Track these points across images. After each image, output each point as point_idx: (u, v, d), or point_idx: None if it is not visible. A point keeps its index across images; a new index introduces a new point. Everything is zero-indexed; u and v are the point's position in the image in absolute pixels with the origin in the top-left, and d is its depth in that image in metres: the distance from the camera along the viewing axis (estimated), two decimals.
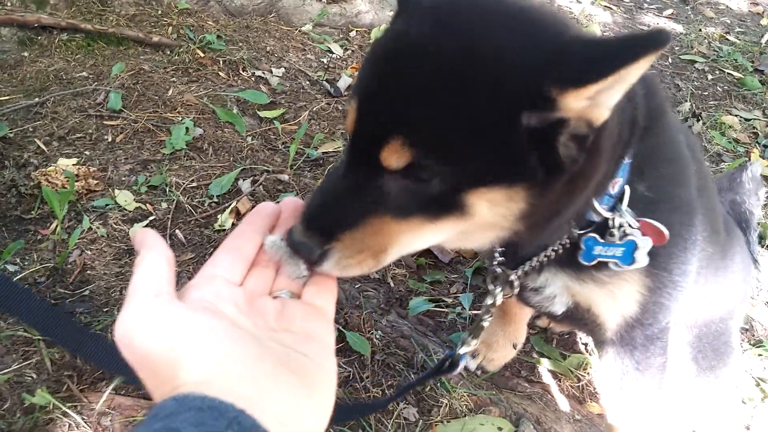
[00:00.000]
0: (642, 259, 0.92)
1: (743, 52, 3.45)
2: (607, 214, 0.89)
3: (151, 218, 1.85)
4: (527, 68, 0.66)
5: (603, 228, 0.91)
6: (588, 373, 1.56)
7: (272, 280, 0.69)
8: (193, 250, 1.77)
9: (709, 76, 3.23)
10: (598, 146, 0.74)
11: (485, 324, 1.10)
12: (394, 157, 0.67)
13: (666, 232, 0.91)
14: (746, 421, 1.48)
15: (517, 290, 1.03)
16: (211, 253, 1.76)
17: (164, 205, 1.91)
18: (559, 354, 1.57)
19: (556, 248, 0.96)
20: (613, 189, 0.89)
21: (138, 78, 2.45)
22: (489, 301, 1.06)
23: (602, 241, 0.91)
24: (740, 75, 3.15)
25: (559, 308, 1.06)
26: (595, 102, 0.67)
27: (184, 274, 1.69)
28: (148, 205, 1.90)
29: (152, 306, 0.56)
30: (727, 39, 3.64)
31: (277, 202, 0.76)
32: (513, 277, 1.01)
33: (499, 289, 1.04)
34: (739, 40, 3.64)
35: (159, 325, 0.55)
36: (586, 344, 1.63)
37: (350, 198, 0.71)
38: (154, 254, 0.62)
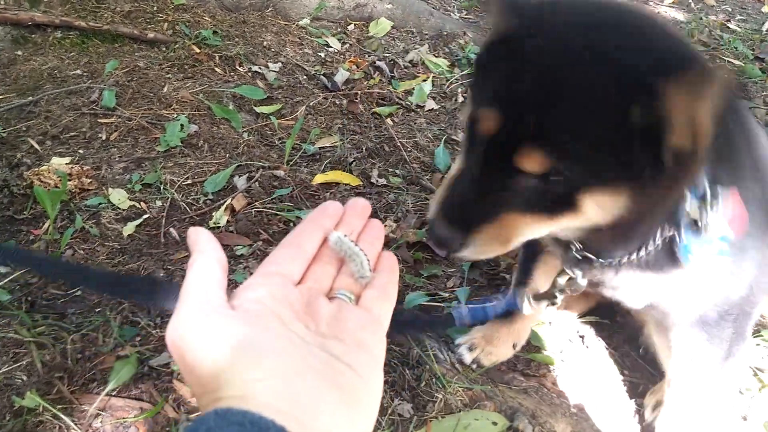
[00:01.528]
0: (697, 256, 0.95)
1: (744, 40, 3.42)
2: (696, 215, 0.91)
3: (145, 216, 1.84)
4: (639, 66, 0.73)
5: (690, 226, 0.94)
6: (585, 366, 1.54)
7: (332, 278, 0.67)
8: (188, 248, 1.75)
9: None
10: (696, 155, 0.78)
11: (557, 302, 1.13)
12: (534, 164, 0.75)
13: (744, 213, 0.95)
14: (743, 412, 1.46)
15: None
16: None
17: (158, 203, 1.90)
18: (555, 347, 1.56)
19: (646, 251, 0.97)
20: (699, 188, 0.91)
21: (133, 75, 2.45)
22: (563, 281, 1.06)
23: (697, 239, 0.93)
24: (741, 63, 3.12)
25: (638, 304, 1.10)
26: (696, 110, 0.72)
27: (179, 273, 1.68)
28: (142, 203, 1.89)
29: (201, 314, 0.56)
30: (727, 27, 3.60)
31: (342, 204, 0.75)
32: (595, 271, 1.03)
33: (580, 274, 1.03)
34: (740, 28, 3.61)
35: (206, 335, 0.54)
36: (582, 336, 1.62)
37: (485, 196, 0.80)
38: (206, 257, 0.61)
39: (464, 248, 0.81)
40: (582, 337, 1.61)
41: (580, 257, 1.03)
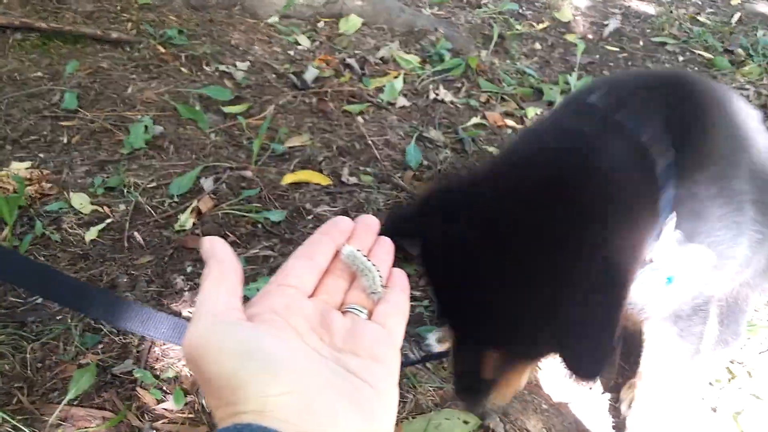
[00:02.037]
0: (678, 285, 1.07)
1: (713, 33, 3.44)
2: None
3: (108, 221, 1.80)
4: None
5: None
6: (557, 360, 1.53)
7: (344, 292, 0.65)
8: (152, 252, 1.72)
9: (680, 58, 3.21)
10: None
11: None
12: (493, 357, 0.93)
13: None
14: (713, 404, 1.46)
15: None
16: (171, 255, 1.73)
17: (122, 206, 1.86)
18: None
19: None
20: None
21: (96, 76, 2.39)
22: None
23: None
24: (711, 56, 3.14)
25: None
26: None
27: (143, 278, 1.64)
28: (105, 207, 1.85)
29: (217, 326, 0.54)
30: (697, 20, 3.63)
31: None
32: None
33: None
34: (710, 20, 3.63)
35: (224, 347, 0.53)
36: None
37: (479, 375, 0.97)
38: (222, 267, 0.60)
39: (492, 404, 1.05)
40: None
41: None
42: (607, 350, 0.80)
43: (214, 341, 0.53)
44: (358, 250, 0.64)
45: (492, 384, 0.98)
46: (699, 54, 3.19)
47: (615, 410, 1.44)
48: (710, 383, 1.49)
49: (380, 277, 0.63)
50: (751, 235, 1.16)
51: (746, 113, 1.27)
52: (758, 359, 1.56)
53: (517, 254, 0.83)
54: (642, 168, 0.95)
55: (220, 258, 0.60)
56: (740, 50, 3.21)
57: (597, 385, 1.49)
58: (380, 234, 0.70)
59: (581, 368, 0.81)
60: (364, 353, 0.57)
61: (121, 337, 1.47)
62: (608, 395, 1.47)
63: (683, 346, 1.23)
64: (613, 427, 1.41)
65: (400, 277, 0.67)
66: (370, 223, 0.70)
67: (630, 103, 1.01)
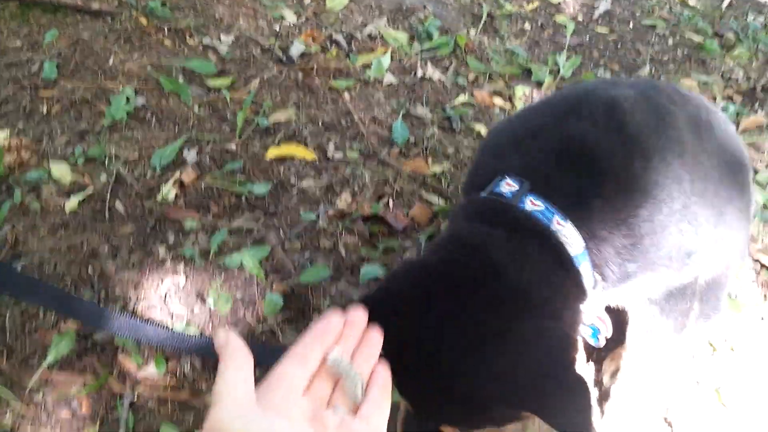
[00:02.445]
0: (602, 341, 1.17)
1: (704, 16, 3.44)
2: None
3: (89, 191, 1.76)
4: None
5: None
6: None
7: (331, 391, 0.75)
8: (134, 223, 1.69)
9: (670, 41, 3.21)
10: None
11: None
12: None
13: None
14: (696, 377, 1.46)
15: None
16: (153, 226, 1.70)
17: (103, 177, 1.82)
18: None
19: None
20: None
21: (76, 47, 2.34)
22: None
23: None
24: (700, 39, 3.14)
25: None
26: None
27: (124, 248, 1.61)
28: (85, 177, 1.81)
29: (238, 411, 0.63)
30: (687, 3, 3.62)
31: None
32: None
33: None
34: (700, 4, 3.63)
35: (245, 428, 0.61)
36: None
37: None
38: (236, 361, 0.68)
39: None
40: None
41: None
42: (580, 394, 0.78)
43: (237, 426, 0.61)
44: (341, 355, 0.74)
45: None
46: (689, 37, 3.19)
47: (598, 381, 1.44)
48: (693, 357, 1.49)
49: (361, 384, 0.74)
50: (713, 218, 1.15)
51: (699, 104, 1.25)
52: (741, 335, 1.57)
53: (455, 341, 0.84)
54: (559, 265, 0.97)
55: (235, 348, 0.69)
56: (730, 34, 3.21)
57: (581, 356, 1.49)
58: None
59: (569, 423, 0.78)
60: None
61: (101, 304, 1.44)
62: (591, 365, 1.47)
63: (667, 323, 1.23)
64: (597, 398, 1.41)
65: (383, 374, 0.78)
66: (358, 320, 0.80)
67: (537, 182, 1.03)
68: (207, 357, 1.34)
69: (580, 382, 0.77)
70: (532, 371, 0.79)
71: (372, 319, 0.82)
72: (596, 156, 1.04)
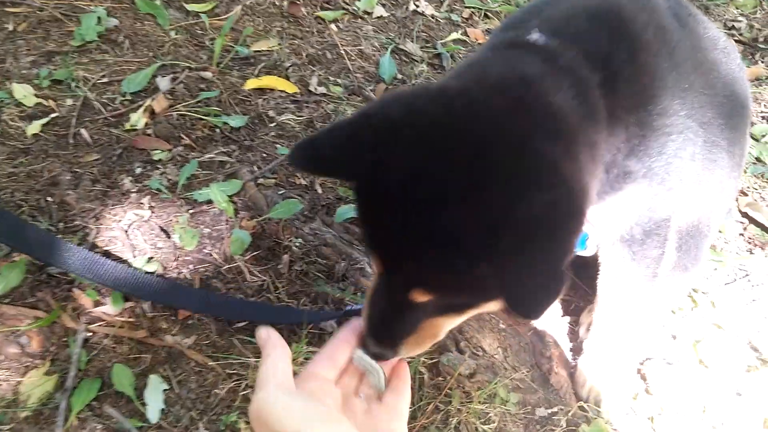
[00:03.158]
0: (591, 247, 1.06)
1: None
2: None
3: (53, 115, 1.67)
4: (479, 225, 0.75)
5: None
6: None
7: (358, 382, 0.88)
8: (100, 151, 1.61)
9: None
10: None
11: None
12: (423, 298, 0.84)
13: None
14: (674, 331, 1.43)
15: None
16: (120, 155, 1.61)
17: (69, 101, 1.72)
18: None
19: None
20: None
21: None
22: None
23: None
24: None
25: None
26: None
27: (87, 177, 1.53)
28: (50, 100, 1.71)
29: (281, 394, 0.72)
30: None
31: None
32: None
33: None
34: None
35: (288, 410, 0.69)
36: None
37: (399, 315, 0.88)
38: (278, 352, 0.78)
39: (398, 354, 0.91)
40: None
41: None
42: (553, 288, 0.72)
43: (281, 404, 0.70)
44: (365, 353, 0.87)
45: (409, 329, 0.90)
46: None
47: (573, 333, 1.40)
48: (672, 311, 1.46)
49: (383, 377, 0.86)
50: (702, 154, 1.12)
51: (710, 35, 1.19)
52: (723, 290, 1.53)
53: (459, 177, 0.75)
54: (588, 111, 0.90)
55: (276, 343, 0.80)
56: None
57: (557, 308, 1.45)
58: (290, 164, 0.88)
59: (523, 306, 0.74)
60: (382, 428, 0.79)
61: (61, 235, 1.38)
62: (567, 318, 1.44)
63: (638, 270, 1.19)
64: (571, 350, 1.38)
65: (402, 368, 0.91)
66: None
67: (570, 41, 0.95)
68: (167, 305, 1.29)
69: (559, 281, 0.72)
70: (526, 249, 0.73)
71: (385, 140, 0.77)
72: (631, 28, 0.99)
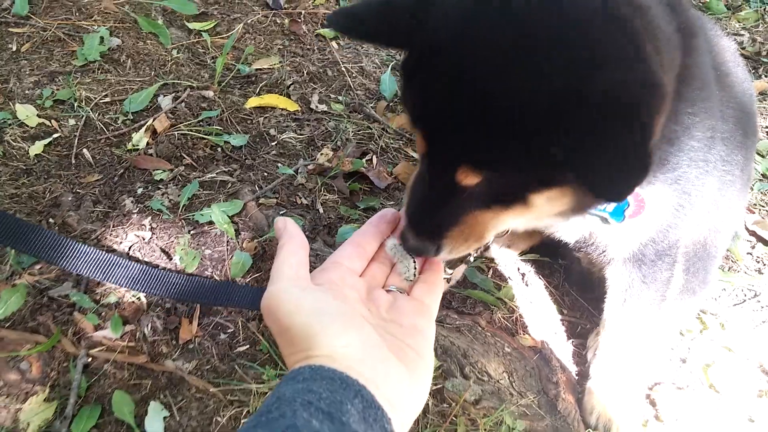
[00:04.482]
0: (625, 219, 0.96)
1: None
2: None
3: (55, 135, 1.66)
4: (553, 93, 0.66)
5: None
6: (523, 304, 1.46)
7: (387, 276, 0.80)
8: (101, 171, 1.60)
9: None
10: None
11: None
12: (471, 180, 0.75)
13: (644, 203, 0.95)
14: (683, 354, 1.40)
15: None
16: (121, 175, 1.61)
17: (72, 121, 1.72)
18: (493, 284, 1.47)
19: None
20: None
21: None
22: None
23: None
24: None
25: (572, 237, 1.07)
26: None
27: (89, 197, 1.52)
28: (53, 121, 1.71)
29: (293, 288, 0.68)
30: None
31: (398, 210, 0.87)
32: None
33: None
34: None
35: (299, 304, 0.65)
36: (523, 274, 1.53)
37: (443, 204, 0.81)
38: (294, 243, 0.73)
39: (440, 253, 0.83)
40: (522, 275, 1.53)
41: None
42: (638, 169, 0.63)
43: (292, 298, 0.66)
44: (399, 243, 0.80)
45: (453, 220, 0.80)
46: None
47: (580, 357, 1.38)
48: (681, 333, 1.43)
49: (415, 266, 0.79)
50: (719, 175, 1.09)
51: (725, 45, 1.18)
52: (732, 311, 1.51)
53: (527, 35, 0.66)
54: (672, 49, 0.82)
55: (293, 234, 0.75)
56: None
57: (562, 331, 1.43)
58: (331, 27, 0.80)
59: (602, 187, 0.66)
60: (406, 323, 0.70)
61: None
62: (574, 341, 1.41)
63: (647, 293, 1.16)
64: (578, 375, 1.35)
65: (435, 262, 0.82)
66: None
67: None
68: (191, 302, 1.26)
69: (645, 162, 0.63)
70: (608, 126, 0.64)
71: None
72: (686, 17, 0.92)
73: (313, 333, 0.63)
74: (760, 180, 1.88)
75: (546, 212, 0.83)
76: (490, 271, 1.51)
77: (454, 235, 0.82)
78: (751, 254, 1.66)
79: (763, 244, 1.68)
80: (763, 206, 1.80)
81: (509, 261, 1.54)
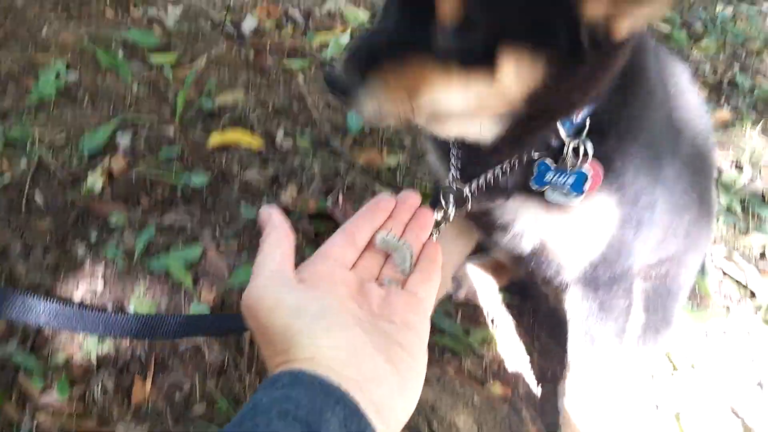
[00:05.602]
0: (583, 193, 0.91)
1: (672, 5, 3.34)
2: (566, 139, 0.88)
3: (5, 179, 1.59)
4: None
5: (556, 156, 0.90)
6: (492, 350, 1.43)
7: (380, 267, 0.74)
8: (54, 217, 1.53)
9: None
10: (608, 63, 0.79)
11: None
12: (448, 6, 0.70)
13: (601, 174, 0.90)
14: (655, 399, 1.38)
15: (469, 205, 0.96)
16: (75, 220, 1.54)
17: (23, 162, 1.65)
18: (461, 329, 1.43)
19: (506, 167, 0.91)
20: (577, 116, 0.87)
21: (8, 14, 2.14)
22: (438, 216, 0.97)
23: (554, 166, 0.90)
24: (668, 28, 3.04)
25: (527, 246, 1.04)
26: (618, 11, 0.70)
27: (39, 245, 1.46)
28: (3, 162, 1.64)
29: (274, 284, 0.63)
30: None
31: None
32: (467, 190, 0.95)
33: (452, 205, 0.95)
34: None
35: (280, 302, 0.61)
36: (492, 319, 1.50)
37: (397, 36, 0.74)
38: (277, 234, 0.68)
39: (361, 92, 0.73)
40: (492, 320, 1.49)
41: (457, 172, 0.97)
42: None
43: (273, 296, 0.62)
44: (389, 233, 0.74)
45: (390, 63, 0.72)
46: (657, 27, 3.09)
47: (552, 404, 1.35)
48: (651, 376, 1.41)
49: (410, 255, 0.73)
50: (673, 194, 1.08)
51: (679, 69, 1.17)
52: (701, 349, 1.49)
53: None
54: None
55: (277, 224, 0.69)
56: (698, 24, 3.12)
57: (532, 377, 1.40)
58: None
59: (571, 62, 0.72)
60: (398, 320, 0.66)
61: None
62: (545, 387, 1.38)
63: (607, 325, 1.13)
64: (549, 426, 1.31)
65: (432, 249, 0.76)
66: (409, 200, 0.79)
67: None
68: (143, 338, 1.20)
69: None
70: None
71: None
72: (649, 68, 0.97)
73: (294, 333, 0.59)
74: (725, 213, 1.89)
75: (509, 90, 0.75)
76: (459, 316, 1.48)
77: (387, 75, 0.73)
78: (717, 292, 1.65)
79: (731, 280, 1.67)
80: (728, 240, 1.80)
81: (479, 303, 1.51)
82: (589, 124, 0.89)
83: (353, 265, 0.73)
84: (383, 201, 0.78)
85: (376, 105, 0.75)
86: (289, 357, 0.58)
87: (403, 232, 0.76)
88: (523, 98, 0.77)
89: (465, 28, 0.71)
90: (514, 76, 0.74)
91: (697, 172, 1.17)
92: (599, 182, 0.92)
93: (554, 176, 0.91)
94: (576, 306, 1.14)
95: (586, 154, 0.90)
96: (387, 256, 0.75)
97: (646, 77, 0.96)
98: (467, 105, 0.78)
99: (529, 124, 0.84)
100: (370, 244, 0.75)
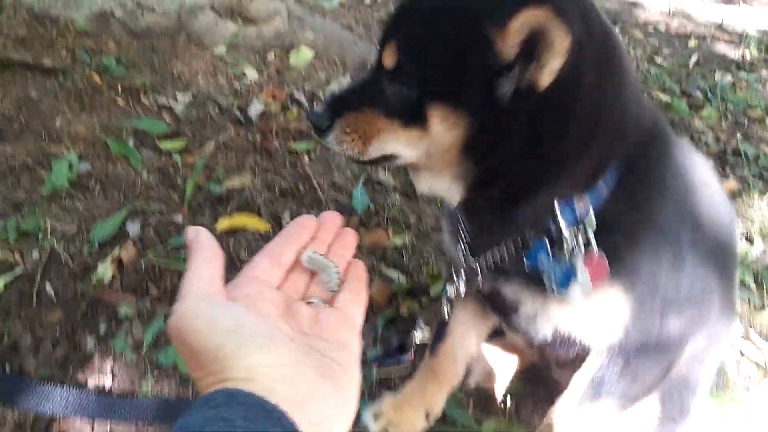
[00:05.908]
0: (574, 294, 0.92)
1: (671, 74, 3.42)
2: (563, 226, 0.91)
3: (18, 271, 1.61)
4: (474, 10, 0.83)
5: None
6: None
7: (306, 286, 0.74)
8: (63, 307, 1.55)
9: None
10: (560, 121, 0.85)
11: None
12: (389, 57, 0.88)
13: (605, 269, 0.91)
14: None
15: (480, 279, 1.02)
16: (84, 312, 1.55)
17: (35, 254, 1.68)
18: (473, 420, 1.41)
19: (510, 246, 0.96)
20: (580, 205, 0.90)
21: (22, 106, 2.22)
22: (449, 291, 1.04)
23: (551, 251, 0.92)
24: (668, 98, 3.10)
25: (547, 331, 1.04)
26: (538, 63, 0.80)
27: (49, 339, 1.46)
28: (16, 254, 1.67)
29: (204, 304, 0.61)
30: (654, 61, 3.61)
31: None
32: (476, 266, 1.01)
33: (462, 279, 1.02)
34: (667, 62, 3.62)
35: (215, 321, 0.59)
36: (505, 407, 1.47)
37: (361, 92, 0.95)
38: (205, 254, 0.66)
39: (330, 130, 0.94)
40: (505, 408, 1.47)
41: (467, 245, 1.04)
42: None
43: (202, 318, 0.59)
44: (315, 252, 0.73)
45: (351, 110, 0.93)
46: (657, 96, 3.15)
47: None
48: None
49: (337, 273, 0.73)
50: (693, 291, 1.05)
51: (699, 161, 1.18)
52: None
53: None
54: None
55: (204, 244, 0.67)
56: (698, 93, 3.18)
57: None
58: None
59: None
60: (330, 337, 0.65)
61: (14, 413, 1.29)
62: None
63: (621, 380, 1.08)
64: None
65: (358, 268, 0.76)
66: (331, 220, 0.79)
67: None
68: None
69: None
70: None
71: None
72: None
73: (227, 354, 0.56)
74: (739, 289, 1.87)
75: (440, 142, 0.89)
76: (470, 404, 1.45)
77: (349, 120, 0.93)
78: (737, 372, 1.62)
79: (748, 360, 1.64)
80: (744, 317, 1.78)
81: (493, 388, 1.49)
82: (596, 215, 0.90)
83: (279, 285, 0.72)
84: (306, 219, 0.78)
85: (339, 144, 0.95)
86: (225, 376, 0.56)
87: (327, 252, 0.75)
88: (459, 151, 0.89)
89: (399, 76, 0.88)
90: (442, 130, 0.88)
91: (719, 267, 1.14)
92: (603, 277, 0.91)
93: (547, 262, 0.93)
94: (596, 358, 1.09)
95: (588, 244, 0.91)
96: (312, 275, 0.74)
97: (662, 170, 0.98)
98: (413, 153, 0.94)
99: (496, 190, 0.92)
100: (295, 263, 0.74)
